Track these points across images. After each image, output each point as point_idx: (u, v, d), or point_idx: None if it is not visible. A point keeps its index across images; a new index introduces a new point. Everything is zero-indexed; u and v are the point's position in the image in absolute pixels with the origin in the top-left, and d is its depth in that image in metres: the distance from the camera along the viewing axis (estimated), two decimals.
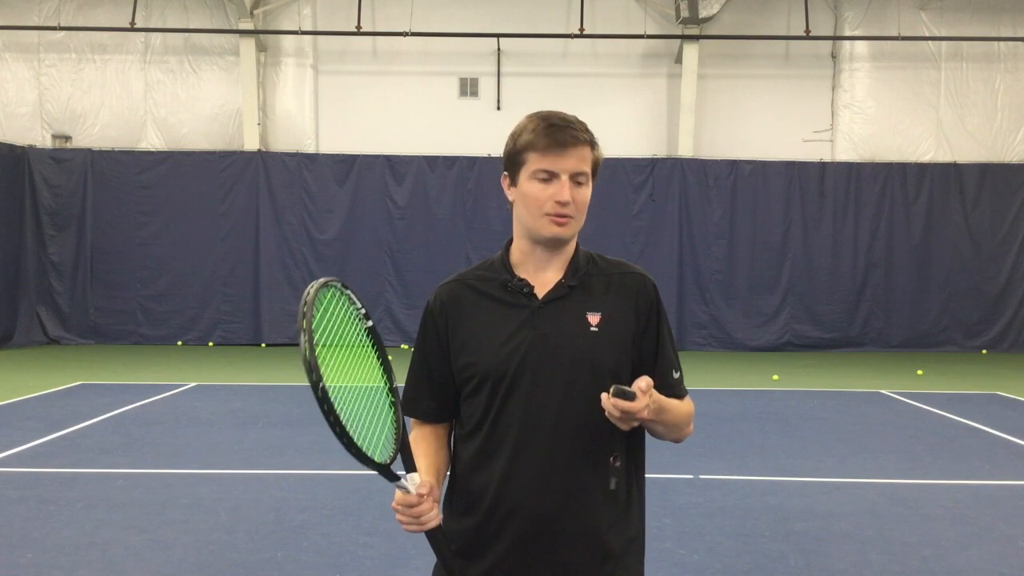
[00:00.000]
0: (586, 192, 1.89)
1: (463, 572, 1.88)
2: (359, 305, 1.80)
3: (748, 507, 5.78)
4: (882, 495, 6.14)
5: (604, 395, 1.69)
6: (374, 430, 1.75)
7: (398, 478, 1.74)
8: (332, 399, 1.62)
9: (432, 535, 1.78)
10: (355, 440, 1.66)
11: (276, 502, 5.78)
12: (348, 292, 1.78)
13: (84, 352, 14.46)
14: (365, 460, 1.69)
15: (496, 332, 1.90)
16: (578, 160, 1.86)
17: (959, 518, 5.62)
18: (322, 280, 1.72)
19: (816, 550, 4.96)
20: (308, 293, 1.65)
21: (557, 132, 1.85)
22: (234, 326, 15.66)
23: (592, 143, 1.90)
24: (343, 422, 1.63)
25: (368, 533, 5.16)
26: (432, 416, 2.01)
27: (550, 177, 1.86)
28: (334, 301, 1.74)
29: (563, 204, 1.85)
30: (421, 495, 1.74)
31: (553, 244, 1.92)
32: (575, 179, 1.87)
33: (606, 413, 1.71)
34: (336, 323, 1.73)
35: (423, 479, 1.78)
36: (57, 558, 4.69)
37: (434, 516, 1.76)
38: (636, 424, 1.74)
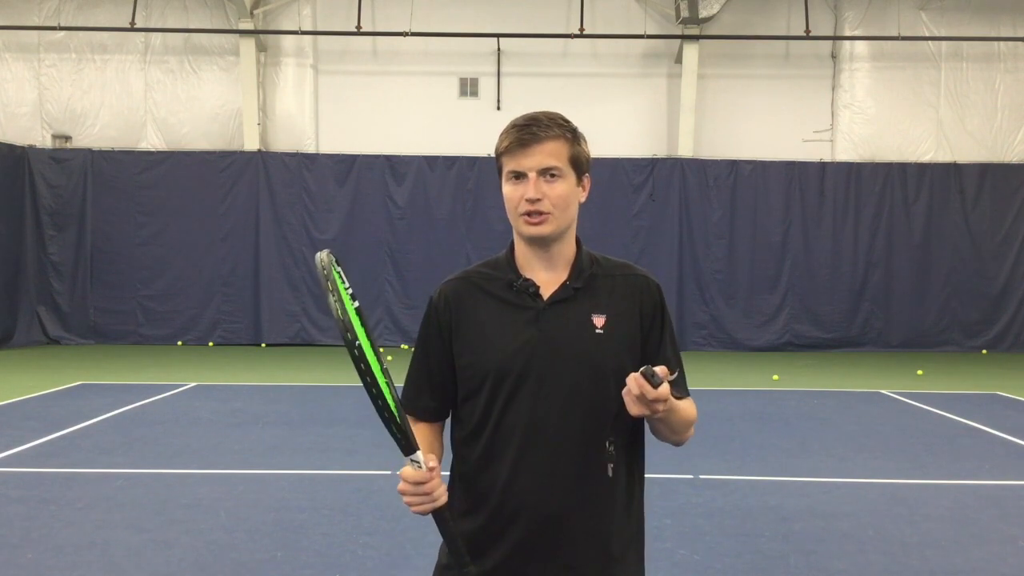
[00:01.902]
0: (560, 187, 1.87)
1: (465, 569, 1.89)
2: (347, 284, 1.72)
3: (748, 507, 5.78)
4: (882, 495, 6.14)
5: (632, 375, 1.67)
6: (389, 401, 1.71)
7: (415, 450, 1.71)
8: (368, 358, 1.62)
9: (441, 514, 1.75)
10: (390, 402, 1.65)
11: (276, 502, 5.78)
12: (340, 268, 1.72)
13: (84, 352, 14.46)
14: (395, 424, 1.67)
15: (501, 332, 1.90)
16: (545, 156, 1.85)
17: (959, 518, 5.62)
18: (327, 251, 1.69)
19: (816, 550, 4.96)
20: (322, 259, 1.65)
21: (518, 131, 1.86)
22: (234, 326, 15.66)
23: (567, 136, 1.88)
24: (378, 383, 1.63)
25: (368, 533, 5.16)
26: (430, 415, 2.00)
27: (519, 177, 1.87)
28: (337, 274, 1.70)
29: (532, 201, 1.85)
30: (432, 468, 1.72)
31: (537, 243, 1.91)
32: (544, 175, 1.86)
33: (624, 391, 1.68)
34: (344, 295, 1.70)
35: (427, 455, 1.75)
36: (57, 558, 4.69)
37: (443, 492, 1.74)
38: (647, 413, 1.69)
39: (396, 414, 1.67)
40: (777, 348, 15.59)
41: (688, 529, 5.28)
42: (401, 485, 1.73)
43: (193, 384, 10.92)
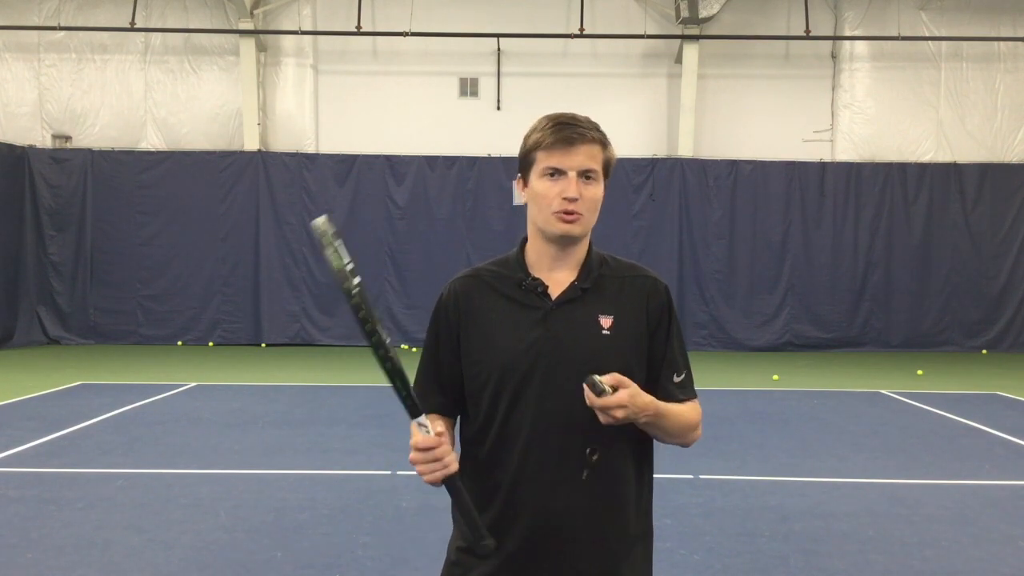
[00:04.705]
0: (595, 190, 1.90)
1: (470, 569, 1.90)
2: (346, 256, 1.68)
3: (748, 507, 5.78)
4: (882, 495, 6.14)
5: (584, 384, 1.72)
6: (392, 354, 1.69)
7: (420, 412, 1.70)
8: (368, 305, 1.62)
9: (453, 482, 1.73)
10: (392, 356, 1.65)
11: (276, 502, 5.78)
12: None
13: (84, 352, 14.46)
14: (400, 378, 1.67)
15: (509, 331, 1.91)
16: (586, 157, 1.88)
17: (959, 518, 5.62)
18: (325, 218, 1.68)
19: (816, 550, 4.96)
20: (320, 224, 1.65)
21: (564, 129, 1.87)
22: (234, 326, 15.66)
23: (603, 142, 1.92)
24: (378, 332, 1.63)
25: (368, 533, 5.16)
26: (441, 410, 2.00)
27: (558, 174, 1.88)
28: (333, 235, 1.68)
29: (571, 200, 1.86)
30: (440, 433, 1.72)
31: (564, 242, 1.92)
32: (583, 176, 1.88)
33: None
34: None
35: (435, 421, 1.75)
36: (57, 558, 4.69)
37: (454, 459, 1.73)
38: (613, 420, 1.74)
39: (399, 369, 1.66)
40: (777, 348, 15.59)
41: (688, 529, 5.28)
42: (412, 454, 1.72)
43: (193, 384, 10.92)
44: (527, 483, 1.88)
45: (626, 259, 2.05)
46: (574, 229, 1.89)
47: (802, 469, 6.90)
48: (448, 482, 1.73)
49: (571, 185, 1.86)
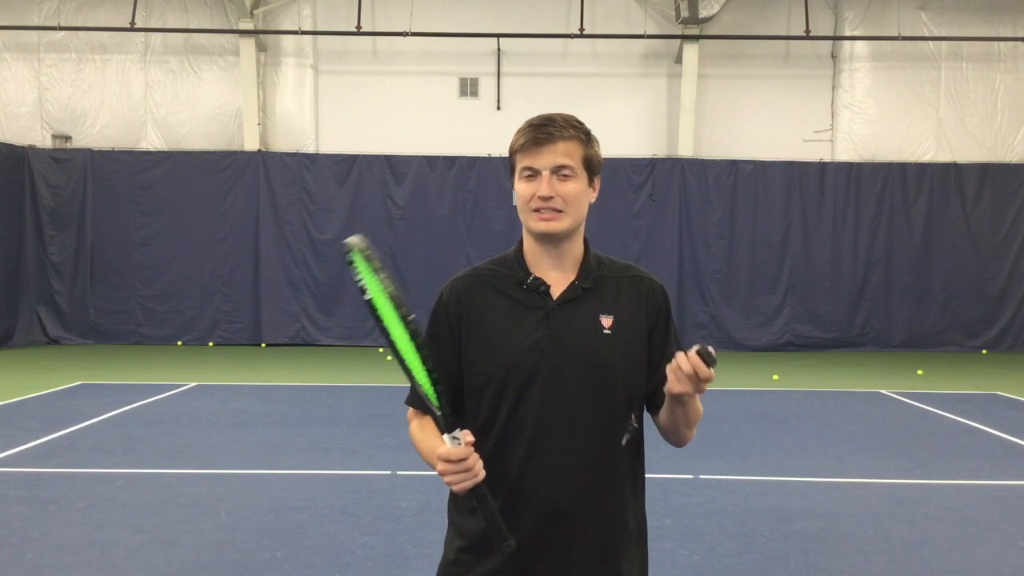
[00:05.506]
0: (572, 186, 1.90)
1: (471, 567, 1.90)
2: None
3: (748, 507, 5.78)
4: (882, 495, 6.14)
5: (681, 354, 1.70)
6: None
7: (454, 428, 1.72)
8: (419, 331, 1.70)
9: (481, 489, 1.74)
10: (430, 376, 1.71)
11: (276, 502, 5.78)
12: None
13: (84, 352, 14.46)
14: (429, 404, 1.74)
15: (511, 331, 1.92)
16: (558, 155, 1.89)
17: (959, 518, 5.62)
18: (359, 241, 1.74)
19: (816, 550, 4.97)
20: (356, 244, 1.75)
21: (534, 130, 1.90)
22: (234, 326, 15.66)
23: (581, 139, 1.92)
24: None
25: (368, 533, 5.16)
26: None
27: (533, 174, 1.91)
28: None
29: (544, 199, 1.88)
30: (470, 443, 1.72)
31: (546, 240, 1.94)
32: (557, 174, 1.89)
33: (670, 367, 1.72)
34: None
35: (463, 431, 1.75)
36: (57, 558, 4.69)
37: (481, 467, 1.73)
38: (690, 391, 1.72)
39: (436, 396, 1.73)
40: (777, 348, 15.59)
41: (688, 529, 5.28)
42: (440, 466, 1.72)
43: (193, 384, 10.92)
44: (531, 479, 1.89)
45: (620, 259, 2.07)
46: (553, 226, 1.90)
47: (802, 469, 6.90)
48: (475, 488, 1.74)
49: (543, 184, 1.88)
